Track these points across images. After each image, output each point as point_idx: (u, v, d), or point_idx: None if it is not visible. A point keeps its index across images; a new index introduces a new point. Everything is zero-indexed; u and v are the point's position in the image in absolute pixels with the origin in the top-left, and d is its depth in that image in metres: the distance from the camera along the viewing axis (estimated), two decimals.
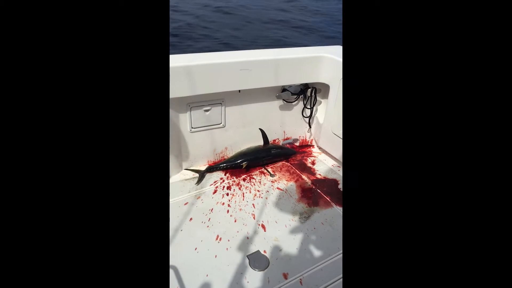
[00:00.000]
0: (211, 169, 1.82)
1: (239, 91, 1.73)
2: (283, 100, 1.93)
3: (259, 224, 1.44)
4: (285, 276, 1.19)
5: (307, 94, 1.93)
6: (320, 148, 2.09)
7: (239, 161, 1.84)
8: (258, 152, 1.90)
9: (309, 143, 2.19)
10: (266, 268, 1.22)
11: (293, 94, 1.89)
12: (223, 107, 1.75)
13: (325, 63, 1.80)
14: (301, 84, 1.90)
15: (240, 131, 1.89)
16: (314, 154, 2.08)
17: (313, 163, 1.97)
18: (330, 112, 1.88)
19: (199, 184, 1.71)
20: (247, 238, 1.36)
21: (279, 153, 1.98)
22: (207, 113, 1.72)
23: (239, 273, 1.19)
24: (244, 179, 1.77)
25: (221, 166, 1.83)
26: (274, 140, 2.07)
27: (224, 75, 1.59)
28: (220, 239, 1.35)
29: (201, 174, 1.76)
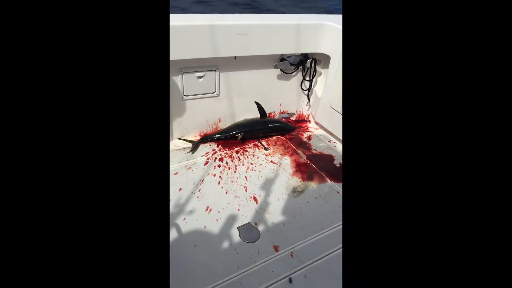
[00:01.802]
0: (205, 139, 1.75)
1: (235, 57, 1.63)
2: (281, 70, 1.84)
3: (251, 197, 1.39)
4: (276, 248, 1.15)
5: (306, 65, 1.84)
6: (317, 123, 2.03)
7: (234, 132, 1.76)
8: (254, 124, 1.83)
9: (306, 118, 2.12)
10: (257, 240, 1.18)
11: (291, 64, 1.79)
12: (217, 74, 1.65)
13: (327, 32, 1.69)
14: (301, 54, 1.80)
15: (235, 102, 1.81)
16: (310, 129, 2.02)
17: (309, 138, 1.91)
18: (329, 85, 1.80)
19: (191, 155, 1.64)
20: (238, 210, 1.31)
21: (277, 127, 1.90)
22: (201, 80, 1.62)
23: (229, 244, 1.15)
24: (237, 152, 1.71)
25: (215, 137, 1.75)
26: (270, 114, 2.00)
27: (220, 39, 1.48)
28: (210, 210, 1.30)
29: (195, 145, 1.69)
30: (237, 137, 1.75)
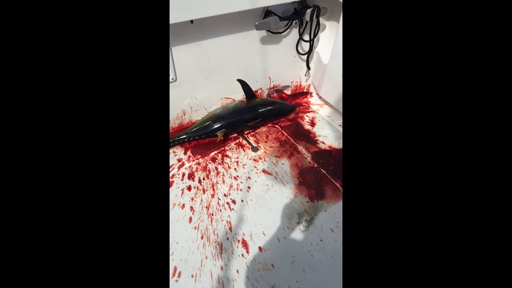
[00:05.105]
0: (170, 142, 1.23)
1: (192, 21, 1.03)
2: (268, 31, 1.24)
3: (238, 240, 0.95)
4: None
5: (304, 18, 1.23)
6: (321, 98, 1.50)
7: (211, 128, 1.24)
8: (239, 114, 1.29)
9: (305, 90, 1.58)
10: None
11: (282, 19, 1.18)
12: (170, 50, 1.06)
13: None
14: (295, 2, 1.18)
15: (202, 85, 1.25)
16: (313, 107, 1.49)
17: (312, 123, 1.40)
18: (339, 46, 1.23)
19: None
20: (221, 268, 0.88)
21: (271, 111, 1.36)
22: None
23: None
24: (213, 159, 1.21)
25: (183, 138, 1.24)
26: (256, 91, 1.44)
27: None
28: (179, 275, 0.87)
29: None
30: (217, 135, 1.23)
